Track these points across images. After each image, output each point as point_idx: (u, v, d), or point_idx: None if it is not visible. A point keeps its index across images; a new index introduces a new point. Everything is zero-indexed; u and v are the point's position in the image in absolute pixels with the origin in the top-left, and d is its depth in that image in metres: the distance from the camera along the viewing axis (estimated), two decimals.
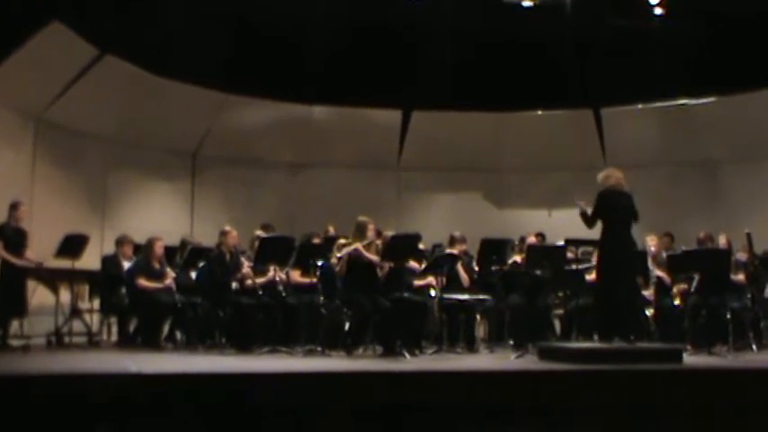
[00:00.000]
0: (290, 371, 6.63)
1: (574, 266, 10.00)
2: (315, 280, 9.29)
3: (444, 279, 9.56)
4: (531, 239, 10.64)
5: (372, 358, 8.38)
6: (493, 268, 9.87)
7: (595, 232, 8.30)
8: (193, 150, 14.45)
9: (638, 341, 7.92)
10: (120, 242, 10.67)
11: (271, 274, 9.62)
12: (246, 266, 9.66)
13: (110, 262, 10.58)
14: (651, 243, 10.30)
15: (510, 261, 10.08)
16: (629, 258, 8.15)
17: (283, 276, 9.63)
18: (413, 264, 9.52)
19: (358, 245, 8.88)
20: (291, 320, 9.50)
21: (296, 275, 9.71)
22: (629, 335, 7.80)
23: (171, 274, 10.03)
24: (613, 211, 8.03)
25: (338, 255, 8.97)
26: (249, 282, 9.60)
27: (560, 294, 10.24)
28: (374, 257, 8.96)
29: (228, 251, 9.74)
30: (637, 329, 8.38)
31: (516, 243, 10.49)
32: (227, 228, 9.93)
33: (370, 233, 9.08)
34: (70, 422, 5.08)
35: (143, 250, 10.26)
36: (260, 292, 9.47)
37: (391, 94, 14.21)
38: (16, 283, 9.58)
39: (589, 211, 8.15)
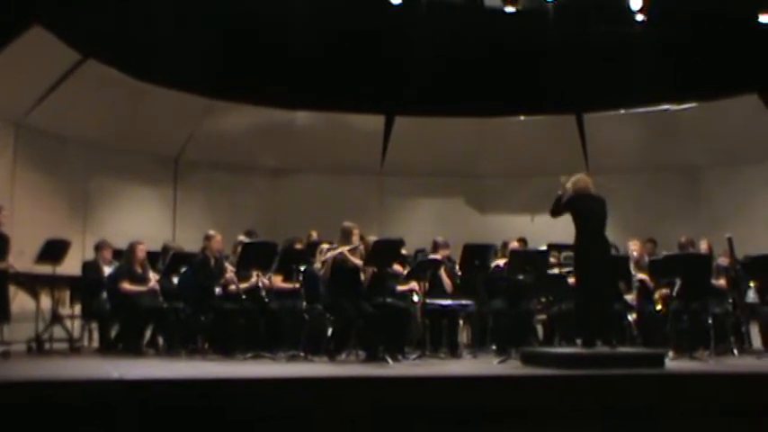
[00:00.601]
0: (273, 376, 6.61)
1: (557, 271, 10.02)
2: (297, 285, 9.26)
3: (427, 284, 9.55)
4: (514, 244, 10.65)
5: (355, 364, 8.36)
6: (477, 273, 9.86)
7: None
8: (176, 155, 14.41)
9: (619, 345, 7.94)
10: (99, 247, 10.60)
11: (254, 279, 9.60)
12: (230, 272, 9.63)
13: (90, 267, 10.51)
14: (634, 248, 10.32)
15: (493, 265, 10.07)
16: (605, 262, 8.17)
17: (266, 282, 9.61)
18: (397, 267, 9.52)
19: (343, 248, 8.88)
20: (274, 326, 9.48)
21: (278, 281, 9.69)
22: (610, 339, 7.82)
23: (154, 277, 9.98)
24: (588, 214, 8.06)
25: (322, 258, 8.96)
26: (233, 287, 9.57)
27: (543, 299, 10.27)
28: (358, 262, 8.97)
29: (213, 256, 9.71)
30: (614, 333, 8.40)
31: (499, 248, 10.50)
32: (212, 232, 9.89)
33: (356, 238, 9.09)
34: (51, 429, 5.04)
35: (125, 255, 10.20)
36: (243, 297, 9.44)
37: (374, 99, 14.24)
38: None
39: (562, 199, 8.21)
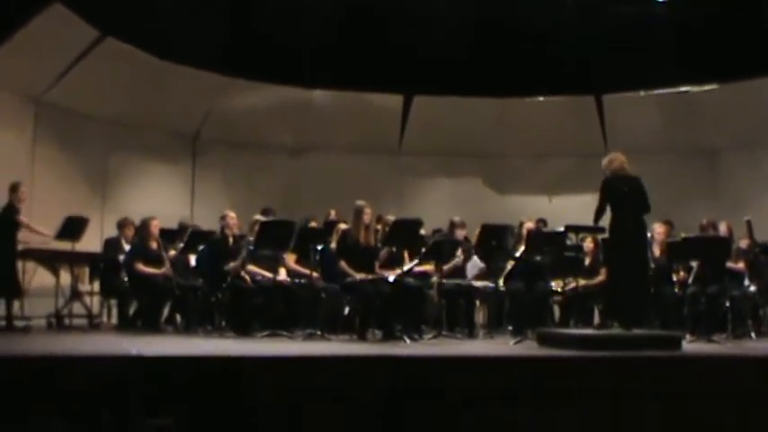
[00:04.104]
0: (290, 354, 6.64)
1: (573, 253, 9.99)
2: (309, 271, 9.23)
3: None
4: (530, 225, 10.59)
5: (372, 342, 8.39)
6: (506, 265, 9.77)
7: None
8: (194, 133, 14.44)
9: (635, 327, 7.90)
10: (121, 225, 10.68)
11: (269, 275, 9.53)
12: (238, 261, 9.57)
13: (112, 245, 10.57)
14: (660, 231, 10.23)
15: (517, 255, 9.92)
16: (638, 243, 8.10)
17: (280, 277, 9.57)
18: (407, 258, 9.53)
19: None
20: (291, 304, 9.51)
21: (291, 260, 9.70)
22: (633, 321, 7.80)
23: (167, 263, 9.97)
24: (620, 195, 7.97)
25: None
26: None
27: (560, 281, 10.26)
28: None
29: (231, 235, 9.72)
30: (643, 316, 8.36)
31: (516, 229, 10.43)
32: (226, 212, 9.92)
33: (367, 217, 9.09)
34: (70, 403, 5.09)
35: (138, 231, 10.24)
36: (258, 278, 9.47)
37: (392, 78, 14.19)
38: (8, 265, 9.59)
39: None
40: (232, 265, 9.51)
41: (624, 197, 7.98)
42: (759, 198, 13.22)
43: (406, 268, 9.17)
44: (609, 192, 8.01)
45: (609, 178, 8.08)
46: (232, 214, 9.86)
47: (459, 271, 9.99)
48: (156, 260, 9.92)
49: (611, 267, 8.30)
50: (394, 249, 9.26)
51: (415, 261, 9.31)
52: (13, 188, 9.68)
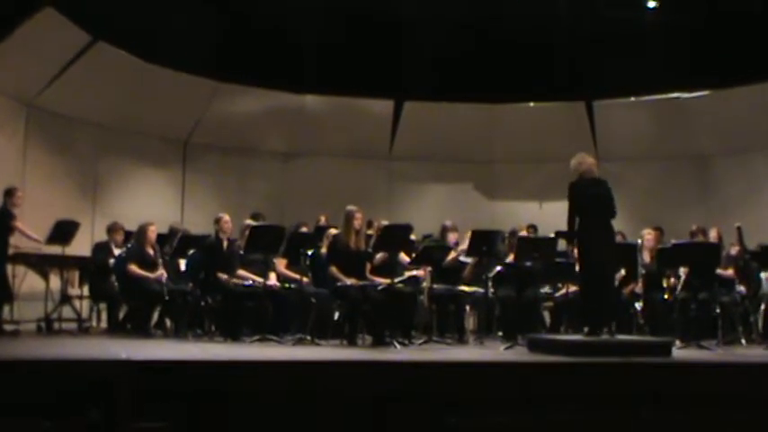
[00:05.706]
0: (280, 359, 6.63)
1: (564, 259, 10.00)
2: (299, 276, 9.21)
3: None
4: (524, 234, 10.59)
5: (362, 348, 8.38)
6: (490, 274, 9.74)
7: None
8: (185, 138, 14.41)
9: (621, 333, 7.89)
10: (111, 229, 10.66)
11: (259, 280, 9.47)
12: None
13: (101, 249, 10.56)
14: (648, 237, 10.24)
15: (507, 261, 9.90)
16: (608, 248, 8.03)
17: (271, 282, 9.53)
18: (402, 257, 9.49)
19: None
20: (281, 309, 9.50)
21: (281, 265, 9.69)
22: (610, 326, 7.80)
23: (162, 269, 9.95)
24: (588, 198, 7.84)
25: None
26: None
27: (550, 286, 10.26)
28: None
29: (226, 239, 9.70)
30: (615, 320, 8.34)
31: (507, 236, 10.41)
32: (220, 215, 9.87)
33: (357, 222, 9.08)
34: (60, 408, 5.07)
35: (136, 236, 10.22)
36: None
37: (383, 84, 14.20)
38: None
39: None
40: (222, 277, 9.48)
41: (591, 201, 7.84)
42: (749, 204, 13.26)
43: (401, 278, 9.18)
44: (576, 196, 7.93)
45: (575, 182, 7.93)
46: (226, 217, 9.80)
47: (456, 272, 9.96)
48: (151, 265, 9.90)
49: (581, 273, 8.19)
50: (387, 255, 9.25)
51: (414, 272, 9.35)
52: (9, 193, 9.67)
